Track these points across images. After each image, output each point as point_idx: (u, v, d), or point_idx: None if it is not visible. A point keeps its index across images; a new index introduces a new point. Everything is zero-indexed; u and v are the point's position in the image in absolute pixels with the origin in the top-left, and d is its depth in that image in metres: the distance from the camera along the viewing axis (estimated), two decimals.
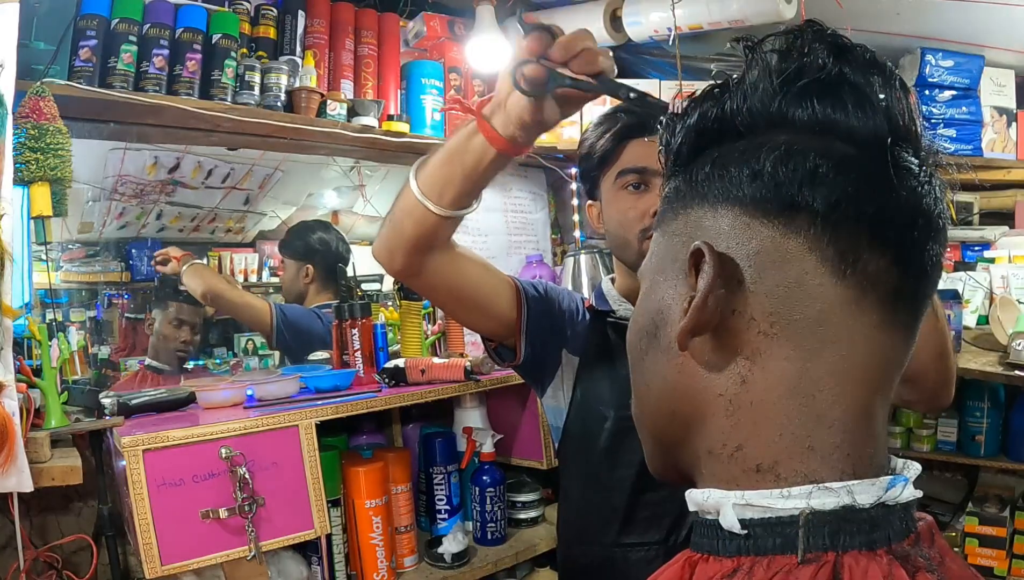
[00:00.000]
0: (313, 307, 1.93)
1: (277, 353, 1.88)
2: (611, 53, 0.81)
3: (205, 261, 1.81)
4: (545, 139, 1.40)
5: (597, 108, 1.63)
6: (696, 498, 0.45)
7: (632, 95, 0.79)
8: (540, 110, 0.82)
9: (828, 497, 0.40)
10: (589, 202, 1.29)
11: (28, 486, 1.09)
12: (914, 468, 0.45)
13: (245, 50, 1.68)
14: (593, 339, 1.23)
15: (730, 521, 0.41)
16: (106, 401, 1.39)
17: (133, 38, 1.50)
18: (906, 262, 0.43)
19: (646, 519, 1.16)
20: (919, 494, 0.42)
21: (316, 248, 1.96)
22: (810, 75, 0.43)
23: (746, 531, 0.41)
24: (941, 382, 1.01)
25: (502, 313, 1.15)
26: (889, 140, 0.42)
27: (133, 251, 1.68)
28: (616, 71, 0.82)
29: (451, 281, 1.07)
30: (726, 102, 0.45)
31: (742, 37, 0.46)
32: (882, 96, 0.43)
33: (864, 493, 0.40)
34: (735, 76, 0.46)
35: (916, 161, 0.44)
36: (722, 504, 0.42)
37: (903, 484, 0.41)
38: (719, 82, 0.47)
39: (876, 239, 0.42)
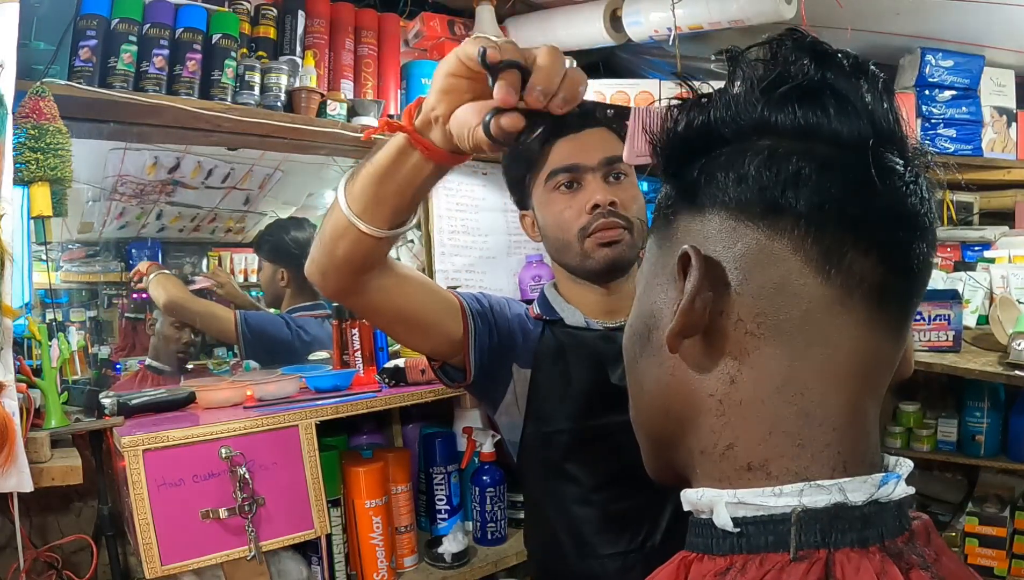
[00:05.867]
0: (286, 311, 1.88)
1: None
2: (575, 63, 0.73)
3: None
4: None
5: None
6: (690, 497, 0.46)
7: (610, 112, 0.75)
8: None
9: (820, 495, 0.40)
10: (521, 213, 1.22)
11: (28, 486, 1.10)
12: (906, 465, 0.45)
13: (245, 50, 1.68)
14: (543, 349, 1.16)
15: (723, 520, 0.42)
16: (106, 401, 1.39)
17: (133, 38, 1.50)
18: (892, 261, 0.43)
19: (617, 529, 1.11)
20: (912, 491, 0.42)
21: (291, 250, 1.88)
22: (793, 81, 0.44)
23: (739, 529, 0.41)
24: None
25: (447, 331, 1.09)
26: (872, 142, 0.43)
27: (133, 251, 1.68)
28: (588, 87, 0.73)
29: (390, 301, 1.00)
30: (711, 110, 0.46)
31: (725, 49, 0.47)
32: (866, 99, 0.43)
33: (856, 490, 0.40)
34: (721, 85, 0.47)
35: (901, 162, 0.44)
36: (715, 503, 0.43)
37: (896, 481, 0.42)
38: (705, 92, 0.47)
39: (860, 239, 0.42)
